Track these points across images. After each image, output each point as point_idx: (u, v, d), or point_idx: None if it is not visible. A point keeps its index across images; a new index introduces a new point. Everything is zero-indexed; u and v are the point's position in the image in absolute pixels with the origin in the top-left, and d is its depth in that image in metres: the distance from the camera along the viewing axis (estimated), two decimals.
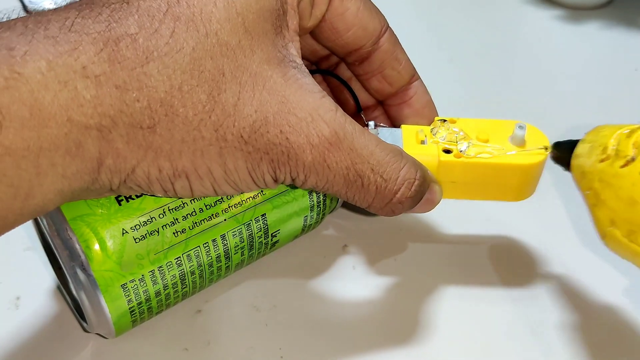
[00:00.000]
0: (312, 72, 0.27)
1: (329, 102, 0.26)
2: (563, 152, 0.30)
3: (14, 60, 0.21)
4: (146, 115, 0.23)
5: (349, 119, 0.27)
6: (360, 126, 0.27)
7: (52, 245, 0.27)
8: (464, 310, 0.33)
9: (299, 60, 0.26)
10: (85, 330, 0.31)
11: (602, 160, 0.27)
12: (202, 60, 0.24)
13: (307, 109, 0.26)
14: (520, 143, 0.31)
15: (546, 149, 0.31)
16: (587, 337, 0.32)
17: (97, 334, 0.31)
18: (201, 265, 0.30)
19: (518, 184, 0.31)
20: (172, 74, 0.23)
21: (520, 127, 0.31)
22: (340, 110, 0.26)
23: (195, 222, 0.29)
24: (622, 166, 0.26)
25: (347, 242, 0.36)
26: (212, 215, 0.30)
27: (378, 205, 0.28)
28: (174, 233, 0.29)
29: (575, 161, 0.29)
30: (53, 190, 0.23)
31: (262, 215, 0.31)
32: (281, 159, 0.26)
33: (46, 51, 0.22)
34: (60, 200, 0.23)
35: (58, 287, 0.33)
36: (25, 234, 0.35)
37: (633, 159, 0.26)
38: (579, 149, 0.29)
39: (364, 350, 0.32)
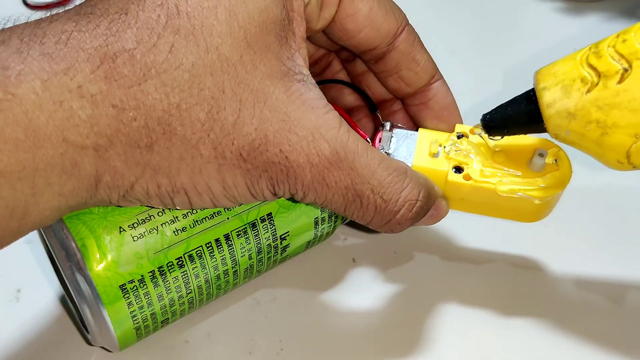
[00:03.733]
0: (319, 83, 0.27)
1: (332, 119, 0.25)
2: (514, 117, 0.28)
3: (8, 80, 0.21)
4: (144, 134, 0.23)
5: (353, 135, 0.26)
6: (365, 143, 0.26)
7: (50, 247, 0.28)
8: (459, 311, 0.33)
9: (305, 71, 0.26)
10: (89, 343, 0.31)
11: (588, 91, 0.26)
12: (202, 77, 0.23)
13: (308, 126, 0.25)
14: (539, 169, 0.29)
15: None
16: None
17: (101, 347, 0.31)
18: (205, 268, 0.29)
19: (529, 211, 0.30)
20: (170, 92, 0.23)
21: (541, 154, 0.29)
22: (344, 126, 0.26)
23: (196, 220, 0.28)
24: (620, 81, 0.25)
25: (348, 236, 0.36)
26: (214, 213, 0.28)
27: (377, 224, 0.28)
28: (174, 231, 0.28)
29: (551, 110, 0.27)
30: (50, 208, 0.23)
31: (268, 214, 0.30)
32: (280, 176, 0.25)
33: (41, 70, 0.21)
34: (57, 215, 0.23)
35: (62, 299, 0.33)
36: None
37: (626, 70, 0.25)
38: (548, 97, 0.27)
39: (363, 344, 0.32)
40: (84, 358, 0.31)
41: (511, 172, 0.29)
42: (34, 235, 0.34)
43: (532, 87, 0.28)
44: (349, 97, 0.33)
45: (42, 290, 0.33)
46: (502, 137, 0.29)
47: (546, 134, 0.28)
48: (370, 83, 0.32)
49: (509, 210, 0.30)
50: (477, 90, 0.44)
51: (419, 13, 0.50)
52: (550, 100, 0.26)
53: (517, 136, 0.29)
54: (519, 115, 0.28)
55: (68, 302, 0.32)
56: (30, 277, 0.34)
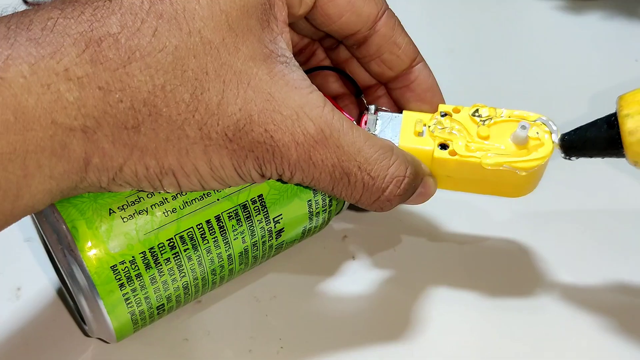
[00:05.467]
0: (305, 72, 0.27)
1: (316, 98, 0.26)
2: (593, 141, 0.28)
3: None
4: (130, 116, 0.24)
5: (338, 114, 0.27)
6: (350, 122, 0.27)
7: (43, 234, 0.28)
8: (459, 310, 0.34)
9: (288, 54, 0.26)
10: (86, 334, 0.32)
11: None
12: (185, 59, 0.24)
13: (292, 106, 0.25)
14: (522, 142, 0.30)
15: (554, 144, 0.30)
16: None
17: (98, 338, 0.31)
18: (198, 250, 0.29)
19: (514, 185, 0.30)
20: (154, 74, 0.23)
21: (523, 127, 0.29)
22: (328, 105, 0.26)
23: (186, 202, 0.28)
24: None
25: (347, 233, 0.36)
26: (204, 195, 0.29)
27: (366, 201, 0.28)
28: (164, 213, 0.28)
29: (632, 138, 0.27)
30: (41, 191, 0.23)
31: (259, 196, 0.30)
32: (266, 156, 0.26)
33: (28, 54, 0.22)
34: (49, 199, 0.24)
35: (59, 291, 0.34)
36: (25, 225, 0.36)
37: None
38: (631, 125, 0.27)
39: (363, 341, 0.32)
40: (81, 351, 0.31)
41: (495, 146, 0.30)
42: (33, 233, 0.35)
43: (613, 111, 0.28)
44: (334, 85, 0.34)
45: (42, 288, 0.33)
46: (577, 158, 0.29)
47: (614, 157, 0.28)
48: (354, 70, 0.33)
49: (495, 185, 0.30)
50: (476, 88, 0.44)
51: (418, 10, 0.51)
52: (633, 128, 0.26)
53: (499, 112, 0.30)
54: (598, 139, 0.28)
55: (66, 295, 0.33)
56: (30, 275, 0.34)
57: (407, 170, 0.28)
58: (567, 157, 0.29)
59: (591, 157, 0.29)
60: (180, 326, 0.32)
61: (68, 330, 0.32)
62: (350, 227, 0.36)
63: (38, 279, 0.34)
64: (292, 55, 0.26)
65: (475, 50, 0.48)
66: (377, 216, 0.37)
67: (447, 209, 0.36)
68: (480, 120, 0.30)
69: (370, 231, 0.36)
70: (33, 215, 0.28)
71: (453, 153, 0.29)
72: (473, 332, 0.33)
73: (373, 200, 0.28)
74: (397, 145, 0.30)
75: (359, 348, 0.32)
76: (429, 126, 0.30)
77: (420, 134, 0.30)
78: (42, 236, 0.29)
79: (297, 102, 0.25)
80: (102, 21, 0.23)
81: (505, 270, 0.35)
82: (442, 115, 0.31)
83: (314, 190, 0.31)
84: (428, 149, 0.30)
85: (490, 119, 0.30)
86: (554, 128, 0.30)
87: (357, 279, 0.34)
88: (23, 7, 0.24)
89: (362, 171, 0.27)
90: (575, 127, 0.29)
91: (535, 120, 0.30)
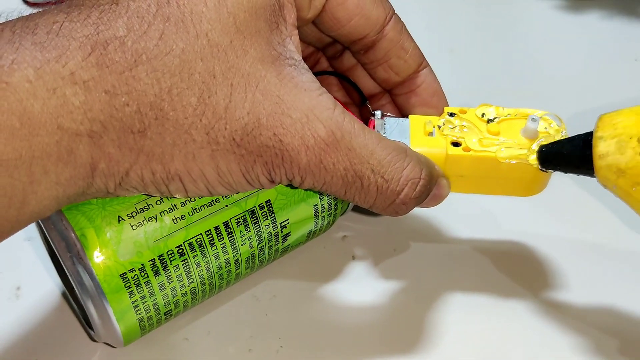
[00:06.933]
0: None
1: (326, 100, 0.25)
2: (567, 157, 0.27)
3: (1, 70, 0.21)
4: (136, 120, 0.23)
5: (349, 116, 0.26)
6: (361, 124, 0.26)
7: (50, 241, 0.28)
8: (454, 307, 0.33)
9: (297, 56, 0.26)
10: (92, 339, 0.31)
11: None
12: (192, 62, 0.23)
13: (302, 108, 0.25)
14: (533, 136, 0.29)
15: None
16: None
17: (105, 343, 0.31)
18: (206, 256, 0.29)
19: (528, 180, 0.30)
20: (161, 77, 0.23)
21: (533, 119, 0.29)
22: (339, 107, 0.26)
23: (195, 208, 0.28)
24: None
25: (347, 233, 0.36)
26: (213, 201, 0.29)
27: (380, 206, 0.27)
28: (173, 220, 0.28)
29: (602, 162, 0.26)
30: (48, 197, 0.23)
31: (267, 201, 0.30)
32: (275, 161, 0.25)
33: (34, 58, 0.21)
34: (56, 205, 0.23)
35: (64, 296, 0.33)
36: None
37: None
38: (602, 148, 0.26)
39: (364, 340, 0.32)
40: (87, 355, 0.31)
41: (508, 141, 0.29)
42: (34, 232, 0.35)
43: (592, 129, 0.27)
44: (337, 94, 0.34)
45: (42, 288, 0.33)
46: (553, 171, 0.29)
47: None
48: (358, 78, 0.32)
49: (509, 182, 0.30)
50: (476, 88, 0.44)
51: (418, 10, 0.51)
52: (604, 152, 0.26)
53: (506, 111, 0.30)
54: (572, 156, 0.27)
55: (71, 300, 0.32)
56: (30, 274, 0.34)
57: (422, 172, 0.27)
58: (543, 170, 0.29)
59: (565, 172, 0.28)
60: (181, 326, 0.32)
61: (70, 331, 0.32)
62: (351, 227, 0.36)
63: (38, 279, 0.33)
64: (301, 57, 0.26)
65: (475, 50, 0.48)
66: (378, 216, 0.36)
67: (447, 210, 0.35)
68: (488, 119, 0.30)
69: (371, 231, 0.36)
70: (39, 220, 0.28)
71: (467, 149, 0.29)
72: (467, 329, 0.32)
73: (388, 204, 0.27)
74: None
75: (359, 346, 0.31)
76: (439, 126, 0.30)
77: (430, 134, 0.30)
78: (49, 242, 0.29)
79: (306, 105, 0.25)
80: (109, 24, 0.22)
81: (504, 272, 0.34)
82: (450, 116, 0.30)
83: (321, 194, 0.31)
84: (440, 150, 0.29)
85: (498, 117, 0.30)
86: (563, 124, 0.29)
87: (356, 278, 0.34)
88: (28, 11, 0.23)
89: (375, 174, 0.26)
90: (555, 141, 0.28)
91: (543, 116, 0.30)
